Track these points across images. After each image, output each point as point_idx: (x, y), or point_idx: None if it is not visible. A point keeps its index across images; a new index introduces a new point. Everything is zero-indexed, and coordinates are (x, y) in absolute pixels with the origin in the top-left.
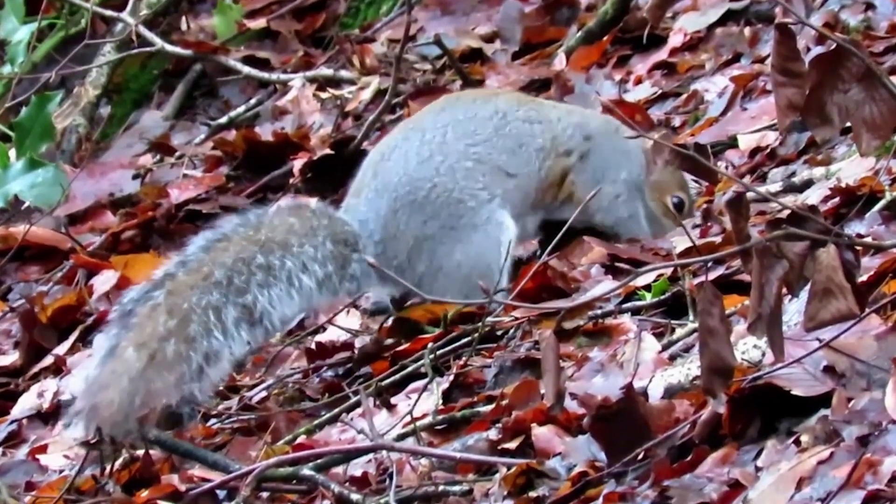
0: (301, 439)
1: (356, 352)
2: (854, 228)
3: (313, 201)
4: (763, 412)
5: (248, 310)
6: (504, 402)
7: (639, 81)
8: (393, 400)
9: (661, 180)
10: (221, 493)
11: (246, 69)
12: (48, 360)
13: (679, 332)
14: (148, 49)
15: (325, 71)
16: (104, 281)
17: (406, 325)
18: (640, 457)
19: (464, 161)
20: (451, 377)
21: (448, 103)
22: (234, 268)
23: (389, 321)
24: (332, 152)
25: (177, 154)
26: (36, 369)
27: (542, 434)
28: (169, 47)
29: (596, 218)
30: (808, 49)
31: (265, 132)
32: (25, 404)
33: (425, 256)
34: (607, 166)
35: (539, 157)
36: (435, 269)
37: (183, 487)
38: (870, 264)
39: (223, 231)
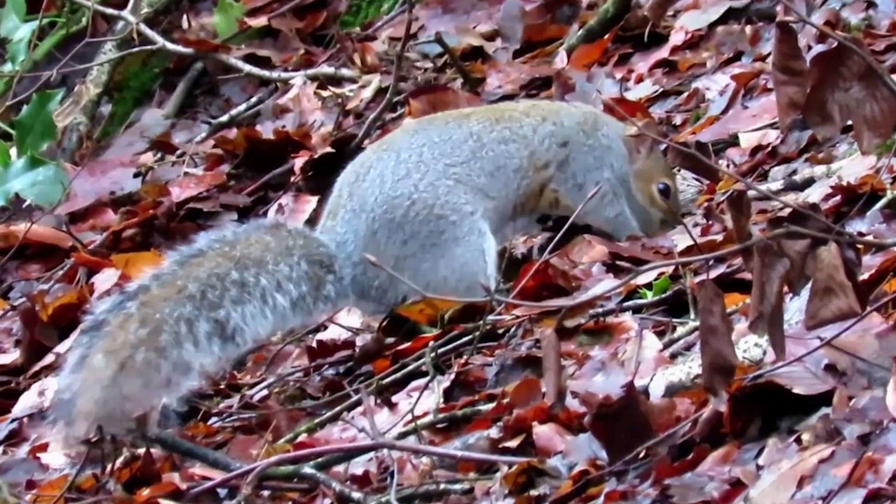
0: (302, 438)
1: (357, 350)
2: (855, 227)
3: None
4: (764, 411)
5: (221, 325)
6: (505, 401)
7: (640, 80)
8: (394, 398)
9: (644, 169)
10: (222, 492)
11: (247, 67)
12: (49, 359)
13: (680, 330)
14: (149, 47)
15: (326, 69)
16: (105, 279)
17: (406, 323)
18: (642, 455)
19: (444, 179)
20: (453, 376)
21: (420, 126)
22: (208, 282)
23: (387, 321)
24: (333, 151)
25: (178, 152)
26: (37, 368)
27: (543, 432)
28: (170, 45)
29: (587, 219)
30: (810, 47)
31: (266, 130)
32: (26, 403)
33: (408, 276)
34: (588, 169)
35: (517, 176)
36: (422, 288)
37: (184, 486)
38: (871, 263)
39: (198, 247)
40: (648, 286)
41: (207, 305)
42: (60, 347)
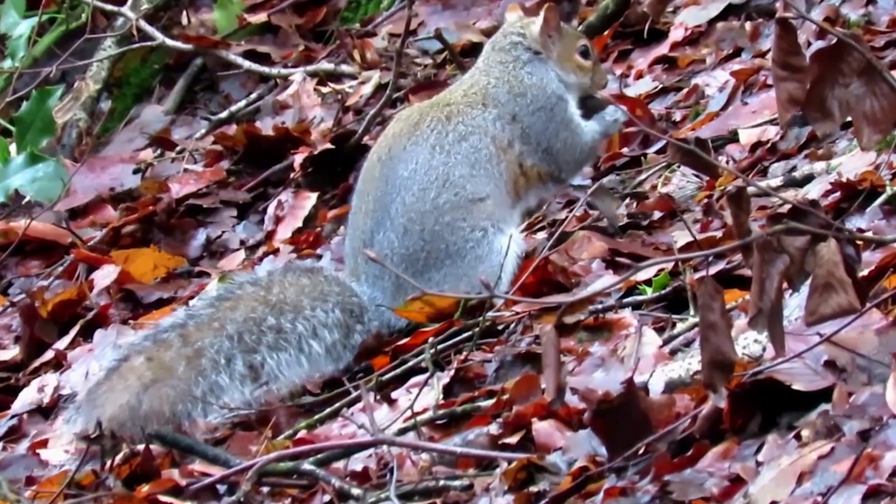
0: (301, 434)
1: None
2: (855, 223)
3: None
4: (764, 407)
5: (255, 370)
6: (505, 397)
7: (640, 76)
8: (393, 395)
9: (561, 51)
10: (222, 488)
11: (247, 64)
12: (49, 355)
13: (680, 326)
14: (149, 43)
15: (326, 65)
16: (105, 275)
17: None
18: (641, 451)
19: (441, 218)
20: (452, 372)
21: (382, 165)
22: (245, 326)
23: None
24: (333, 147)
25: (177, 149)
26: (36, 364)
27: (543, 429)
28: (170, 42)
29: (568, 174)
30: (809, 43)
31: (266, 127)
32: (26, 399)
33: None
34: (542, 128)
35: (493, 163)
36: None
37: (183, 482)
38: (870, 259)
39: (232, 290)
40: (648, 282)
41: (244, 348)
42: (60, 344)
